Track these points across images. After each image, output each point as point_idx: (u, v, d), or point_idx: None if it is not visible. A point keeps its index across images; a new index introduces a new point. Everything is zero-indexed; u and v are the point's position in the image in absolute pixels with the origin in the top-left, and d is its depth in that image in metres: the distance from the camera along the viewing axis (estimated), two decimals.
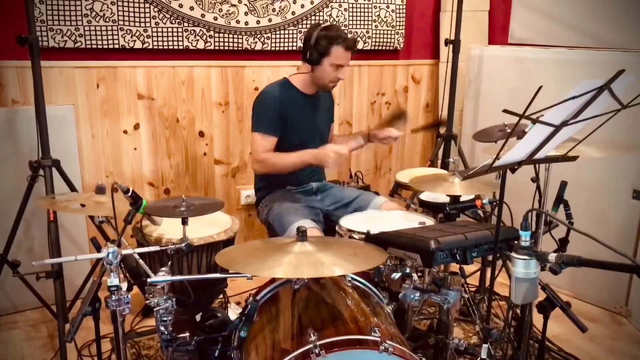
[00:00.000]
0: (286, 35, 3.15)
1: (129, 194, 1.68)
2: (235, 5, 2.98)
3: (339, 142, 2.59)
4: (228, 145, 3.19)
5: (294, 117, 2.41)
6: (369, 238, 1.81)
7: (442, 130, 3.35)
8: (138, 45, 2.81)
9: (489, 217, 2.52)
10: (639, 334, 2.63)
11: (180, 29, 2.88)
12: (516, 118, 1.30)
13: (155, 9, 2.80)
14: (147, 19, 2.80)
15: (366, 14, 3.36)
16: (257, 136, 2.37)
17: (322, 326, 1.50)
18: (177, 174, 3.09)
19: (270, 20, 3.09)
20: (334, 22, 3.25)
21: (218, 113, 3.12)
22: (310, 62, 2.36)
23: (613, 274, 2.66)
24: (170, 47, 2.89)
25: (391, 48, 3.52)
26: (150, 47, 2.84)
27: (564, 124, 1.37)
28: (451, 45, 3.31)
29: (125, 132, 2.90)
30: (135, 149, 2.94)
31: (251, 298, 1.77)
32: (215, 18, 2.95)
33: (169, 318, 1.65)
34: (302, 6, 3.16)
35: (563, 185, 2.12)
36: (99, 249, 1.49)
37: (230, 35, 3.01)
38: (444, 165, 3.38)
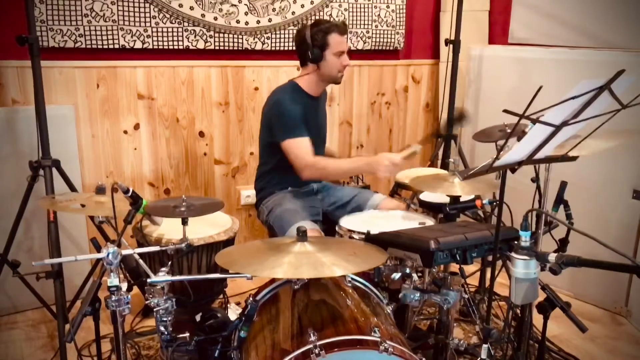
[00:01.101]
0: (286, 35, 3.15)
1: (129, 194, 1.68)
2: (235, 5, 2.98)
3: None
4: (228, 145, 3.19)
5: (306, 120, 2.41)
6: (369, 238, 1.81)
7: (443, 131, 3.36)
8: (138, 45, 2.81)
9: (489, 217, 2.52)
10: (639, 334, 2.63)
11: (180, 29, 2.88)
12: (516, 118, 1.30)
13: (155, 9, 2.80)
14: (147, 19, 2.80)
15: (366, 14, 3.36)
16: (294, 142, 2.31)
17: (322, 326, 1.50)
18: (177, 174, 3.09)
19: (270, 20, 3.09)
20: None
21: (218, 113, 3.12)
22: (314, 61, 2.37)
23: (613, 274, 2.66)
24: (170, 47, 2.89)
25: (391, 48, 3.52)
26: (150, 47, 2.84)
27: (564, 124, 1.37)
28: (451, 45, 3.31)
29: (125, 132, 2.90)
30: (135, 149, 2.94)
31: (251, 298, 1.77)
32: (215, 18, 2.95)
33: (169, 318, 1.66)
34: (302, 6, 3.16)
35: (563, 185, 2.12)
36: (99, 249, 1.49)
37: (230, 35, 3.01)
38: (444, 165, 3.38)
